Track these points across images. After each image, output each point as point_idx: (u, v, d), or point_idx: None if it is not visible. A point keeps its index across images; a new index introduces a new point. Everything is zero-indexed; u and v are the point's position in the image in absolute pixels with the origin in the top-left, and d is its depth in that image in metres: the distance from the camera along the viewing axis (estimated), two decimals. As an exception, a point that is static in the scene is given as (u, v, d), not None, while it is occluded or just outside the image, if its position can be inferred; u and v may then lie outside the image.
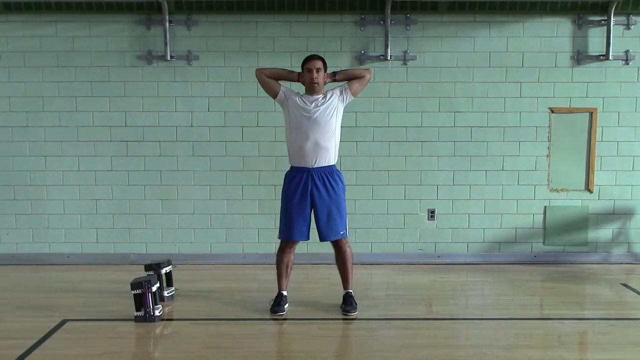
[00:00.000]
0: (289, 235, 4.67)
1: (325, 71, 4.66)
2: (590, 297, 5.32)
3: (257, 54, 6.02)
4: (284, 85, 4.73)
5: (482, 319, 4.66)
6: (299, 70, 4.70)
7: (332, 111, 4.63)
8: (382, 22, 5.98)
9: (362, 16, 6.00)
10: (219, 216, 6.21)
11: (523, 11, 5.96)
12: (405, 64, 6.06)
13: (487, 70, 6.07)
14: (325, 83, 4.68)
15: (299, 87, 4.74)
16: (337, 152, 4.72)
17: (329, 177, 4.65)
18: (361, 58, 6.02)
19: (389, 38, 5.96)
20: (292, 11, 5.96)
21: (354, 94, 4.74)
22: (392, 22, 5.97)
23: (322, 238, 4.69)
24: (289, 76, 4.75)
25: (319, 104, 4.61)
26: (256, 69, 4.75)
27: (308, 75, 4.61)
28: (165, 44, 5.95)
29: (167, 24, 5.92)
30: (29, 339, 4.09)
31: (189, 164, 6.14)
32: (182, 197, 6.18)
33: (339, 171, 4.73)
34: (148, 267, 4.95)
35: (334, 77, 4.74)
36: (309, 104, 4.61)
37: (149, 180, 6.16)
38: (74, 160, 6.13)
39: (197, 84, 6.07)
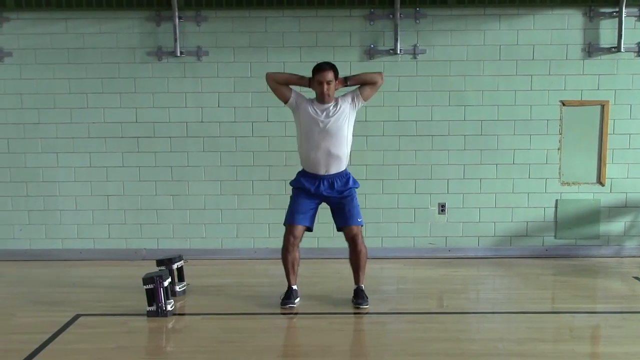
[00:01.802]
0: (292, 219, 4.68)
1: (336, 79, 4.62)
2: (602, 291, 5.29)
3: (267, 49, 6.02)
4: (295, 89, 4.72)
5: (493, 313, 4.65)
6: (309, 73, 4.65)
7: (344, 120, 4.62)
8: (391, 16, 5.97)
9: (372, 10, 5.98)
10: (229, 211, 6.23)
11: (533, 4, 5.93)
12: (415, 58, 6.05)
13: (497, 64, 6.04)
14: (336, 89, 4.66)
15: (310, 93, 4.73)
16: (348, 158, 4.73)
17: (341, 180, 4.69)
18: (371, 52, 6.01)
19: (399, 32, 5.95)
20: (301, 6, 5.96)
21: (365, 100, 4.73)
22: (402, 15, 5.95)
23: (340, 223, 4.70)
24: (299, 82, 4.71)
25: (330, 113, 4.59)
26: (266, 74, 4.73)
27: (319, 88, 4.58)
28: (175, 40, 5.96)
29: (177, 20, 5.93)
30: (43, 334, 4.12)
31: (200, 160, 6.17)
32: (193, 192, 6.21)
33: (350, 173, 4.75)
34: (160, 262, 4.98)
35: (346, 83, 4.70)
36: (320, 114, 4.59)
37: (160, 176, 6.19)
38: (86, 156, 6.17)
39: (207, 80, 6.08)
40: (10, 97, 6.10)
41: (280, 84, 4.68)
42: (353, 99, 4.68)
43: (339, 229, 4.77)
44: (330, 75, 4.55)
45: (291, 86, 4.72)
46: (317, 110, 4.60)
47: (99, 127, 6.13)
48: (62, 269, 5.97)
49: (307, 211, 4.70)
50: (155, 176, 6.19)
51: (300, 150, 4.73)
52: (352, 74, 4.86)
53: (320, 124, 4.57)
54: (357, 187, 4.78)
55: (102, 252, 6.26)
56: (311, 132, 4.60)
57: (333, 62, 4.64)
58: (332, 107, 4.61)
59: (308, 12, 6.00)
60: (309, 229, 4.77)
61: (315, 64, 4.66)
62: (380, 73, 4.80)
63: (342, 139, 4.62)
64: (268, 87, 4.77)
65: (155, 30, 6.05)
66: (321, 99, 4.61)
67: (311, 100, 4.67)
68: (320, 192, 4.67)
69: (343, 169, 4.69)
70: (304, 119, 4.63)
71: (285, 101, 4.71)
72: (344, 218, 4.70)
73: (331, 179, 4.66)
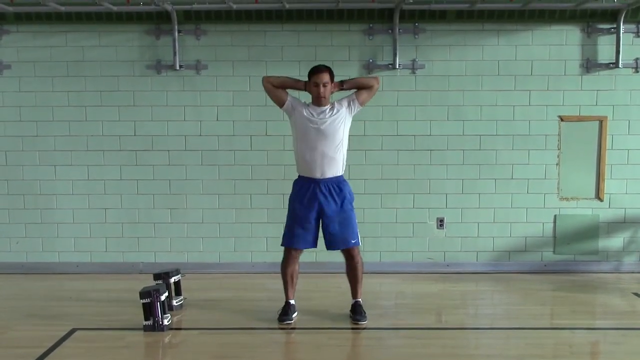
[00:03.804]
0: (291, 242, 4.67)
1: (332, 82, 4.62)
2: (601, 307, 5.27)
3: (266, 63, 6.03)
4: (292, 94, 4.73)
5: (492, 329, 4.63)
6: (306, 78, 4.68)
7: (340, 123, 4.61)
8: (390, 31, 5.99)
9: (371, 25, 6.00)
10: (227, 225, 6.21)
11: (532, 19, 5.95)
12: (414, 73, 6.06)
13: (496, 79, 6.05)
14: (332, 92, 4.67)
15: (306, 96, 4.74)
16: (344, 162, 4.71)
17: (337, 187, 4.65)
18: (369, 67, 6.03)
19: (397, 47, 5.97)
20: (301, 20, 5.98)
21: (361, 104, 4.71)
22: (401, 30, 5.97)
23: (330, 247, 4.68)
24: (295, 85, 4.71)
25: (327, 116, 4.59)
26: (263, 77, 4.74)
27: (315, 89, 4.58)
28: (175, 53, 5.98)
29: (176, 34, 5.95)
30: (39, 348, 4.10)
31: (198, 173, 6.15)
32: (191, 206, 6.19)
33: (346, 181, 4.72)
34: (157, 276, 4.95)
35: (342, 86, 4.72)
36: (316, 116, 4.59)
37: (158, 189, 6.17)
38: (84, 169, 6.15)
39: (206, 93, 6.09)
40: (9, 109, 6.10)
41: (276, 87, 4.68)
42: (349, 104, 4.67)
43: (328, 245, 4.74)
44: (326, 77, 4.56)
45: (287, 90, 4.74)
46: (313, 113, 4.60)
47: (97, 140, 6.13)
48: (59, 282, 5.94)
49: (307, 234, 4.64)
50: (153, 189, 6.17)
51: (296, 153, 4.71)
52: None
53: (316, 126, 4.56)
54: (353, 201, 4.73)
55: (99, 265, 6.23)
56: (307, 134, 4.58)
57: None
58: (328, 110, 4.61)
59: (307, 26, 6.02)
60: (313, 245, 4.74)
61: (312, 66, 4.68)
62: (376, 77, 4.83)
63: (338, 141, 4.60)
64: (266, 94, 4.76)
65: (154, 43, 6.06)
66: (317, 101, 4.61)
67: (307, 104, 4.68)
68: (317, 197, 4.60)
69: (340, 173, 4.66)
70: (300, 122, 4.62)
71: (281, 104, 4.70)
72: (336, 239, 4.65)
73: (327, 184, 4.62)
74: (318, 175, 4.60)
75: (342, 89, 4.72)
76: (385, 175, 6.15)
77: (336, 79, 4.69)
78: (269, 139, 6.08)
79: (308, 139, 4.58)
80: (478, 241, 6.23)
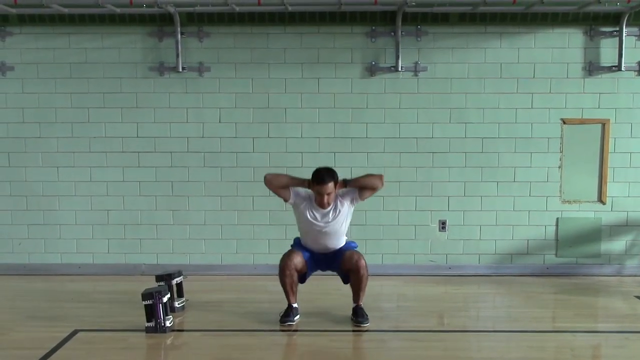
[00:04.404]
0: (293, 249, 4.78)
1: (336, 185, 4.64)
2: (603, 310, 5.27)
3: (268, 65, 6.04)
4: (294, 189, 4.76)
5: (493, 331, 4.63)
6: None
7: (342, 220, 4.74)
8: (392, 34, 5.99)
9: (373, 28, 6.01)
10: (229, 227, 6.21)
11: (534, 22, 5.95)
12: (416, 75, 6.06)
13: (498, 81, 6.05)
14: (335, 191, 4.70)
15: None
16: (345, 238, 4.86)
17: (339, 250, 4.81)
18: (372, 69, 6.03)
19: (400, 49, 5.97)
20: (303, 23, 5.98)
21: (362, 200, 4.81)
22: (403, 33, 5.97)
23: (340, 258, 4.74)
24: (299, 185, 4.76)
25: (330, 219, 4.69)
26: (265, 178, 4.75)
27: (318, 197, 4.64)
28: (177, 55, 5.98)
29: (179, 36, 5.95)
30: (41, 349, 4.10)
31: (200, 175, 6.16)
32: (193, 207, 6.19)
33: (347, 242, 4.86)
34: (159, 278, 4.95)
35: (345, 185, 4.75)
36: (319, 219, 4.69)
37: (160, 191, 6.18)
38: (86, 171, 6.16)
39: (209, 95, 6.09)
40: (12, 111, 6.11)
41: (280, 188, 4.73)
42: (352, 201, 4.77)
43: (345, 278, 4.83)
44: (330, 187, 4.59)
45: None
46: (317, 215, 4.69)
47: (100, 141, 6.13)
48: (61, 283, 5.94)
49: (307, 253, 4.78)
50: (155, 191, 6.18)
51: (300, 236, 4.87)
52: (353, 177, 4.83)
53: (319, 228, 4.69)
54: (355, 248, 4.85)
55: (101, 267, 6.23)
56: (310, 231, 4.74)
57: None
58: (331, 211, 4.70)
59: (310, 28, 6.02)
60: (303, 276, 4.81)
61: (315, 170, 4.68)
62: (380, 177, 4.81)
63: (341, 234, 4.78)
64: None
65: (157, 45, 6.07)
66: (321, 206, 4.69)
67: (310, 200, 4.73)
68: (319, 257, 4.81)
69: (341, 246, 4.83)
70: (303, 220, 4.75)
71: (285, 201, 4.80)
72: (340, 254, 4.74)
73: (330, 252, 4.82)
74: (321, 251, 4.80)
75: (345, 187, 4.75)
76: (388, 178, 6.06)
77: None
78: (271, 141, 6.09)
79: (311, 235, 4.75)
80: (480, 244, 6.22)
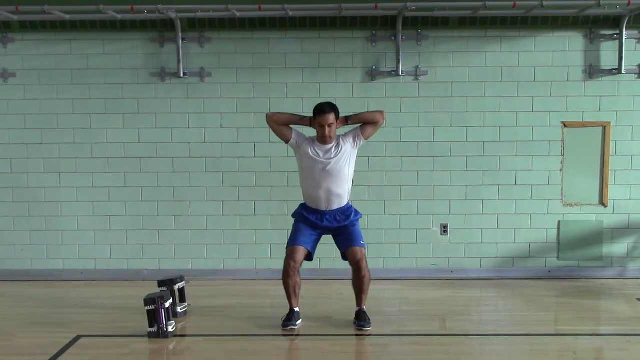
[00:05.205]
0: (293, 242, 4.71)
1: (337, 120, 4.66)
2: (605, 313, 5.27)
3: (269, 70, 6.05)
4: (296, 128, 4.77)
5: (496, 335, 4.62)
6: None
7: (345, 160, 4.68)
8: (393, 38, 6.00)
9: (374, 32, 6.02)
10: (231, 232, 6.22)
11: (534, 26, 5.96)
12: (417, 79, 6.07)
13: (499, 85, 6.06)
14: (337, 128, 4.70)
15: (312, 130, 4.78)
16: (350, 193, 4.79)
17: (342, 215, 4.75)
18: (373, 73, 6.04)
19: (401, 53, 5.98)
20: (304, 28, 6.00)
21: (366, 139, 4.79)
22: (404, 37, 5.99)
23: (344, 246, 4.71)
24: (300, 123, 4.77)
25: (332, 155, 4.64)
26: (267, 115, 4.80)
27: (320, 130, 4.62)
28: (179, 61, 6.00)
29: (180, 42, 5.97)
30: (43, 355, 4.10)
31: (202, 180, 6.17)
32: (195, 213, 6.20)
33: (351, 207, 4.80)
34: (161, 283, 4.96)
35: (347, 122, 4.75)
36: (321, 155, 4.65)
37: (162, 196, 6.19)
38: (88, 176, 6.17)
39: (210, 101, 6.11)
40: (14, 117, 6.13)
41: (281, 125, 4.73)
42: (354, 139, 4.74)
43: (343, 256, 4.78)
44: (331, 117, 4.59)
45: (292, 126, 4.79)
46: (319, 152, 4.66)
47: (101, 147, 6.15)
48: (63, 289, 5.94)
49: (309, 236, 4.73)
50: (157, 196, 6.19)
51: (302, 187, 4.81)
52: (353, 113, 4.87)
53: (321, 165, 4.63)
54: (359, 218, 4.83)
55: (104, 272, 6.24)
56: (312, 172, 4.66)
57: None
58: (333, 148, 4.67)
59: (311, 33, 6.03)
60: (309, 257, 4.78)
61: (317, 104, 4.70)
62: (381, 112, 4.84)
63: (344, 178, 4.69)
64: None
65: (158, 51, 6.09)
66: (322, 140, 4.67)
67: (312, 140, 4.72)
68: (323, 225, 4.73)
69: (345, 204, 4.75)
70: (305, 160, 4.69)
71: (287, 141, 4.78)
72: (346, 241, 4.72)
73: (333, 213, 4.73)
74: (323, 208, 4.72)
75: (347, 124, 4.76)
76: (389, 182, 6.15)
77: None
78: (273, 145, 6.08)
79: (314, 177, 4.66)
80: (482, 247, 6.22)
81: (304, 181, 4.76)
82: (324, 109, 4.62)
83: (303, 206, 4.83)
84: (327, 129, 4.58)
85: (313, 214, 4.74)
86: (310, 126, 4.73)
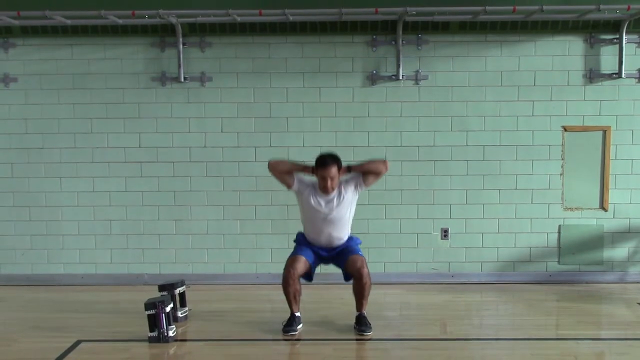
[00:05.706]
0: (295, 253, 4.74)
1: (339, 170, 4.67)
2: (606, 317, 5.26)
3: (270, 75, 6.06)
4: (298, 175, 4.79)
5: (497, 339, 4.62)
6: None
7: (346, 208, 4.72)
8: (393, 43, 6.01)
9: (374, 37, 6.03)
10: (232, 236, 6.22)
11: (534, 30, 5.98)
12: (417, 84, 6.08)
13: (499, 89, 6.07)
14: (339, 177, 4.72)
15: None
16: (350, 230, 4.84)
17: (342, 245, 4.80)
18: (373, 78, 6.05)
19: (401, 58, 5.99)
20: (304, 32, 6.01)
21: (367, 187, 4.82)
22: (404, 42, 6.00)
23: (344, 259, 4.73)
24: (302, 171, 4.79)
25: (334, 205, 4.67)
26: (269, 163, 4.80)
27: (322, 182, 4.64)
28: (179, 65, 6.01)
29: (181, 46, 5.98)
30: (44, 360, 4.10)
31: (203, 185, 6.17)
32: (196, 217, 6.20)
33: (351, 238, 4.85)
34: (162, 288, 4.96)
35: (349, 171, 4.77)
36: (323, 205, 4.68)
37: (163, 200, 6.19)
38: (89, 181, 6.18)
39: (211, 105, 6.12)
40: (15, 122, 6.14)
41: (283, 174, 4.75)
42: (356, 187, 4.77)
43: (345, 276, 4.81)
44: (333, 171, 4.61)
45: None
46: (320, 201, 4.68)
47: (102, 152, 6.15)
48: (64, 294, 5.94)
49: (310, 254, 4.77)
50: (158, 201, 6.19)
51: (303, 226, 4.87)
52: (356, 163, 4.88)
53: (323, 215, 4.68)
54: (359, 243, 4.88)
55: (104, 277, 6.24)
56: (314, 220, 4.72)
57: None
58: (335, 198, 4.69)
59: (311, 38, 6.05)
60: (309, 275, 4.82)
61: (319, 155, 4.73)
62: (384, 162, 4.85)
63: (345, 222, 4.75)
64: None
65: (159, 55, 6.10)
66: (324, 191, 4.69)
67: (314, 187, 4.74)
68: (322, 255, 4.80)
69: (345, 240, 4.81)
70: (307, 207, 4.73)
71: (288, 188, 4.80)
72: (344, 254, 4.74)
73: (333, 247, 4.80)
74: (325, 246, 4.78)
75: (349, 172, 4.78)
76: (390, 186, 6.16)
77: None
78: (273, 150, 6.09)
79: (315, 223, 4.73)
80: (482, 251, 6.22)
81: (305, 222, 4.83)
82: (327, 162, 4.62)
83: (304, 235, 4.90)
84: (329, 181, 4.61)
85: (314, 245, 4.82)
86: (312, 174, 4.74)
